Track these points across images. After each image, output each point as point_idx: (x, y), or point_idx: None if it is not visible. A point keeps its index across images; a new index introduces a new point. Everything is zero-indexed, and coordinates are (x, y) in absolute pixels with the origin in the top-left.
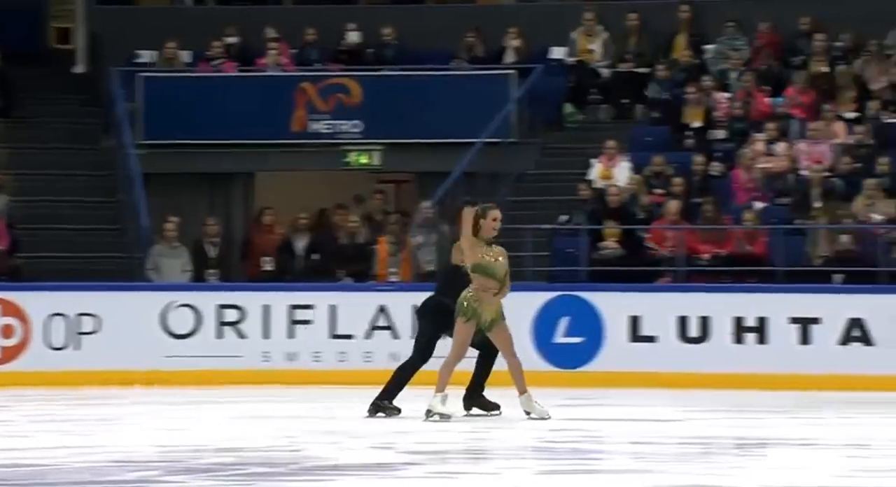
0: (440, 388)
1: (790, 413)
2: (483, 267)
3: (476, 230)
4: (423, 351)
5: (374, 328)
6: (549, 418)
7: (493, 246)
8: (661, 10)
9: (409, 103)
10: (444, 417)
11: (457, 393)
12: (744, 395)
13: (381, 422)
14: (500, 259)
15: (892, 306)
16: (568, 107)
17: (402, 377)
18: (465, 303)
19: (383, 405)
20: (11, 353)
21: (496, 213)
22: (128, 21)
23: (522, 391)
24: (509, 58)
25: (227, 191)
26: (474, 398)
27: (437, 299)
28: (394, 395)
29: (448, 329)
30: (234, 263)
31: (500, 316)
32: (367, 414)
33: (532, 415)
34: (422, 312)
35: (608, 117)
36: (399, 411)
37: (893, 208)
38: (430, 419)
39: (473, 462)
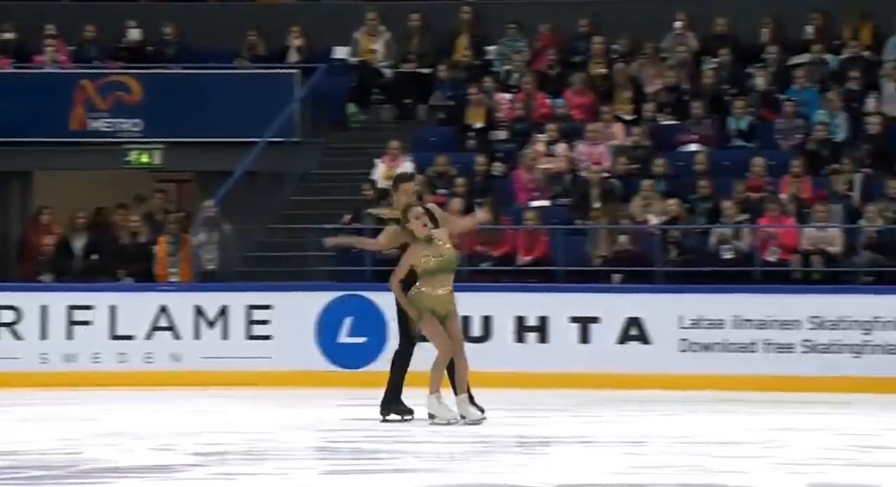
0: (433, 389)
1: (570, 411)
2: (426, 271)
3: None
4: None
5: (155, 328)
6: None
7: (434, 240)
8: (444, 11)
9: (191, 102)
10: (451, 418)
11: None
12: (525, 394)
13: (162, 424)
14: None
15: (670, 305)
16: (351, 107)
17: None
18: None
19: (392, 408)
20: None
21: (416, 211)
22: None
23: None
24: (292, 57)
25: (4, 191)
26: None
27: None
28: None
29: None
30: (11, 263)
31: (449, 313)
32: (381, 418)
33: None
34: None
35: (391, 117)
36: (411, 412)
37: (669, 209)
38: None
39: (256, 462)
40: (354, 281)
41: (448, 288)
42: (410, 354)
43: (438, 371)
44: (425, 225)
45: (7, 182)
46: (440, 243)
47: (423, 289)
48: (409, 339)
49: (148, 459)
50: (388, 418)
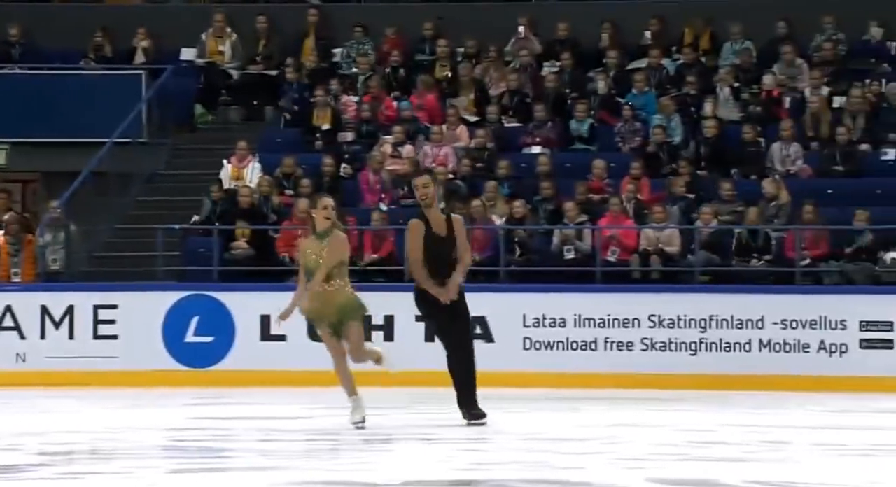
0: (351, 392)
1: (412, 408)
2: (306, 267)
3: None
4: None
5: (0, 329)
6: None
7: (328, 237)
8: (290, 14)
9: (37, 102)
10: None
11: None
12: (369, 392)
13: (7, 425)
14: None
15: (514, 304)
16: (199, 108)
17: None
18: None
19: (475, 412)
20: None
21: (325, 202)
22: None
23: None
24: (139, 58)
25: None
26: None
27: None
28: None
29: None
30: None
31: (343, 319)
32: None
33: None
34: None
35: (239, 118)
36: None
37: (513, 210)
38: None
39: (103, 461)
40: (201, 280)
41: (332, 285)
42: (456, 353)
43: (345, 375)
44: (328, 218)
45: None
46: (327, 245)
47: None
48: (448, 341)
49: None
50: (471, 422)
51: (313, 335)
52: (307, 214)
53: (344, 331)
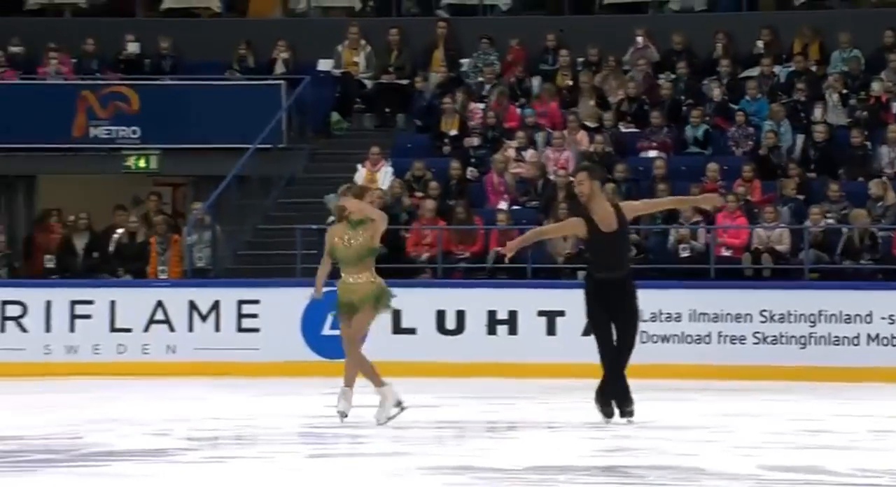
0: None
1: (537, 398)
2: (332, 251)
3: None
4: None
5: (152, 322)
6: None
7: (360, 225)
8: (421, 26)
9: (185, 111)
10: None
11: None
12: (495, 382)
13: (157, 411)
14: (354, 241)
15: None
16: (335, 116)
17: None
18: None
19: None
20: None
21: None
22: None
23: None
24: (279, 69)
25: (10, 194)
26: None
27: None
28: (622, 396)
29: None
30: (18, 262)
31: (356, 307)
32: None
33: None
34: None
35: (372, 125)
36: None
37: None
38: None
39: (245, 446)
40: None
41: (360, 277)
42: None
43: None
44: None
45: (13, 186)
46: (359, 231)
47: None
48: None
49: (144, 443)
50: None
51: (441, 329)
52: (336, 206)
53: (354, 315)
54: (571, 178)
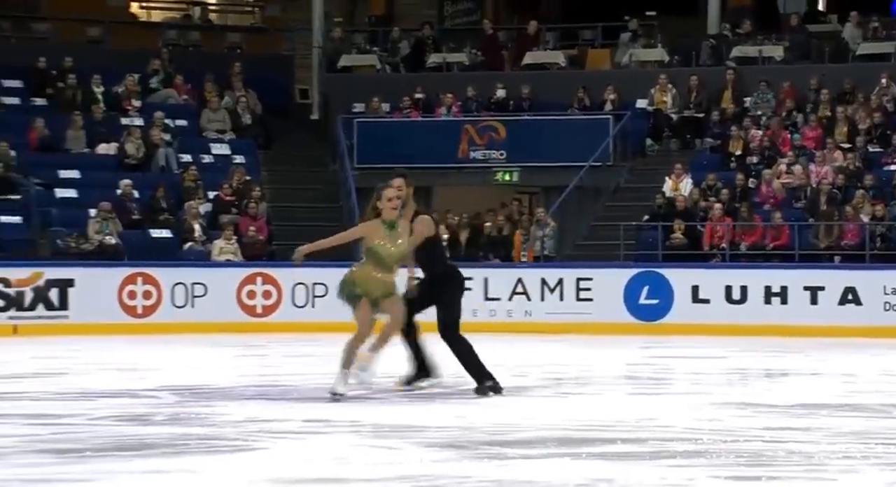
0: (345, 365)
1: (803, 352)
2: (374, 252)
3: (377, 212)
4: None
5: (514, 293)
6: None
7: (397, 226)
8: (714, 74)
9: (539, 138)
10: (336, 396)
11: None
12: (769, 340)
13: (518, 357)
14: (397, 243)
15: (877, 278)
16: (648, 141)
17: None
18: (344, 282)
19: (484, 386)
20: (268, 310)
21: (390, 192)
22: (347, 83)
23: (365, 358)
24: (607, 107)
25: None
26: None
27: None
28: (479, 372)
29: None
30: None
31: (389, 293)
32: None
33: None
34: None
35: (676, 148)
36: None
37: (875, 211)
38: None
39: (582, 385)
40: (649, 261)
41: (388, 274)
42: None
43: (350, 350)
44: (395, 208)
45: (416, 195)
46: (399, 234)
47: (364, 269)
48: None
49: (508, 382)
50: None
51: (729, 299)
52: (369, 204)
53: (385, 307)
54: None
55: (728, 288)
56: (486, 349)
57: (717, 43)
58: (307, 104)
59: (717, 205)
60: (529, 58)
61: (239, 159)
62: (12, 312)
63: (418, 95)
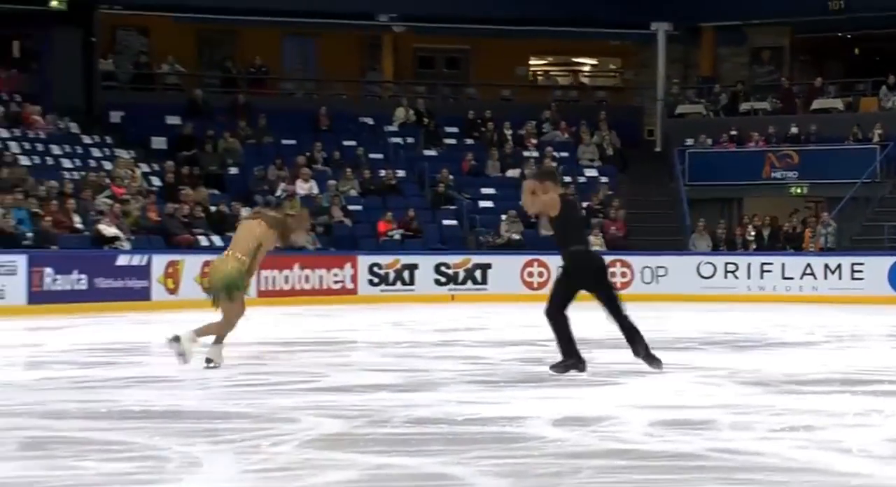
0: (200, 334)
1: None
2: (258, 255)
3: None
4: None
5: (804, 275)
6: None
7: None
8: None
9: (824, 163)
10: (181, 355)
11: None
12: None
13: (705, 326)
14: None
15: None
16: None
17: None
18: (239, 275)
19: (564, 364)
20: (622, 287)
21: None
22: (681, 125)
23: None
24: (875, 139)
25: (728, 209)
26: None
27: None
28: (569, 350)
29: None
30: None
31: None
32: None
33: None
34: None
35: None
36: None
37: None
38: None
39: (857, 340)
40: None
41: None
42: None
43: (212, 330)
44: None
45: (729, 204)
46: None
47: (241, 264)
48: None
49: (796, 339)
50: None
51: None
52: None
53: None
54: None
55: None
56: (785, 315)
57: None
58: (652, 140)
59: None
60: (816, 104)
61: (604, 180)
62: (451, 286)
63: (733, 132)
